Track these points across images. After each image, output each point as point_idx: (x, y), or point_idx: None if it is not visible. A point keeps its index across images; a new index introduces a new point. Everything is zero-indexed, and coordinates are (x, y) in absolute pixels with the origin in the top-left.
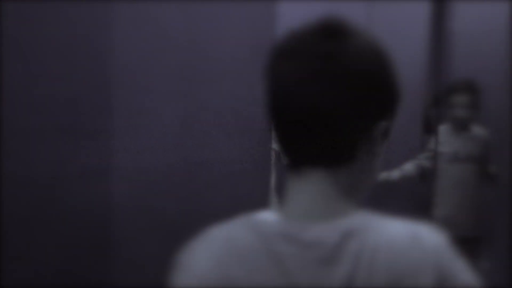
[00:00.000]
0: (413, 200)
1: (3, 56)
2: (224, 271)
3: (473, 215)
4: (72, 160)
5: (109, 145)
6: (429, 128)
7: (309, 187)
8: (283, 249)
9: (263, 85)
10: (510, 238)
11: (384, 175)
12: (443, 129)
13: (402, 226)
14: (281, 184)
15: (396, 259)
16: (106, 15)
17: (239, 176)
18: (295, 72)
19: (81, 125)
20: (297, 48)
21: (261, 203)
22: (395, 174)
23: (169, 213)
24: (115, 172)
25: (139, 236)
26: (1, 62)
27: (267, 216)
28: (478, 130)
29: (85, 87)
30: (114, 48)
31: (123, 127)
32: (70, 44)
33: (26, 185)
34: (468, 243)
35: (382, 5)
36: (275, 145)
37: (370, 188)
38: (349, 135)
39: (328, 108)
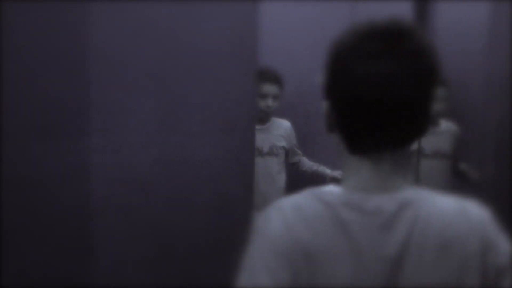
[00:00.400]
0: None
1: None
2: (294, 235)
3: None
4: (51, 159)
5: (88, 143)
6: None
7: (371, 165)
8: (347, 216)
9: (243, 85)
10: None
11: None
12: None
13: (451, 199)
14: (290, 183)
15: (446, 227)
16: (84, 13)
17: (221, 175)
18: (382, 69)
19: (60, 124)
20: (380, 48)
21: (244, 202)
22: None
23: (149, 212)
24: (95, 171)
25: (120, 235)
26: None
27: (332, 189)
28: (448, 125)
29: (63, 86)
30: (92, 46)
31: (103, 125)
32: (48, 43)
33: (6, 185)
34: None
35: (365, 5)
36: (284, 143)
37: None
38: (422, 122)
39: (414, 100)
